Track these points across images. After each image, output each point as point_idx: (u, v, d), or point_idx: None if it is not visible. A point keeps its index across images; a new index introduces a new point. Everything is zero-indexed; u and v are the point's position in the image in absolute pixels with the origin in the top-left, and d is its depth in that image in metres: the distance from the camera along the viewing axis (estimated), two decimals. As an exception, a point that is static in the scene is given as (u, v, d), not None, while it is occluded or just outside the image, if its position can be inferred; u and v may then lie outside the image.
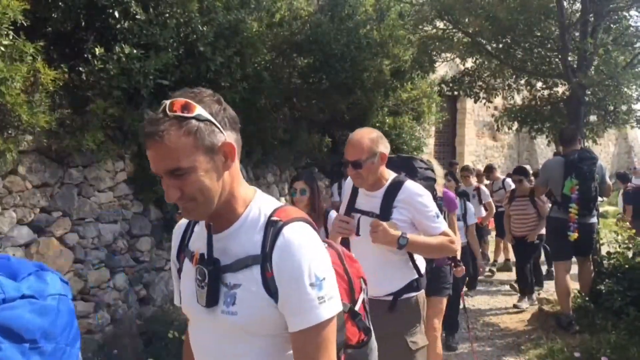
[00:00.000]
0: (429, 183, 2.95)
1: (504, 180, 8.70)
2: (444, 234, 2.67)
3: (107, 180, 4.91)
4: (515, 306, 6.58)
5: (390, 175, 2.73)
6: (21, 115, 3.74)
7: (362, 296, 1.62)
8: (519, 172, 6.89)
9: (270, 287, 1.31)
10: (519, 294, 6.82)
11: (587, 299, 5.53)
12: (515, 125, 8.98)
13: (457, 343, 5.33)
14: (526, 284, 6.71)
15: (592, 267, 5.57)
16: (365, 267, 2.46)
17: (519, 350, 5.15)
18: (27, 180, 4.20)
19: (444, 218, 3.83)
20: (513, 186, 7.34)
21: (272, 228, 1.33)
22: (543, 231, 6.40)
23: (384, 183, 2.70)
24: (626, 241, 5.66)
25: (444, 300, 4.11)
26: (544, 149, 15.42)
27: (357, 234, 2.72)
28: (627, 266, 5.33)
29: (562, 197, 5.23)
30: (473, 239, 5.30)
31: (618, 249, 5.61)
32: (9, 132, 3.87)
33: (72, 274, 4.52)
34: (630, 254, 5.49)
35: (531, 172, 8.25)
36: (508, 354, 5.13)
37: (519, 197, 6.64)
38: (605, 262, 5.59)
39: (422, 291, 2.83)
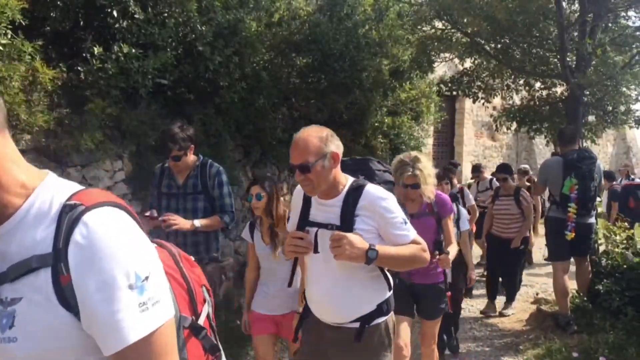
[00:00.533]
0: (389, 187, 2.60)
1: (491, 180, 8.15)
2: (414, 242, 2.33)
3: (106, 179, 4.91)
4: (500, 314, 6.25)
5: (347, 179, 2.36)
6: (19, 115, 3.75)
7: (206, 308, 1.31)
8: (503, 171, 6.49)
9: (68, 297, 0.95)
10: (504, 301, 6.44)
11: (585, 299, 5.54)
12: (514, 126, 9.01)
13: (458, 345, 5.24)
14: (515, 291, 6.43)
15: (590, 267, 5.57)
16: (327, 288, 2.34)
17: (517, 351, 5.15)
18: (25, 180, 4.19)
19: (437, 223, 3.67)
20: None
21: (68, 215, 0.97)
22: (527, 233, 6.23)
23: (340, 189, 2.32)
24: (624, 241, 5.66)
25: (440, 320, 3.89)
26: (543, 149, 15.44)
27: (315, 251, 2.33)
28: (625, 266, 5.33)
29: (561, 196, 5.23)
30: (466, 247, 4.79)
31: (615, 249, 5.62)
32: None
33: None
34: (628, 253, 5.50)
35: (531, 172, 8.24)
36: (506, 354, 5.13)
37: (503, 196, 6.32)
38: (603, 261, 5.60)
39: (392, 313, 2.49)
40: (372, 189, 2.31)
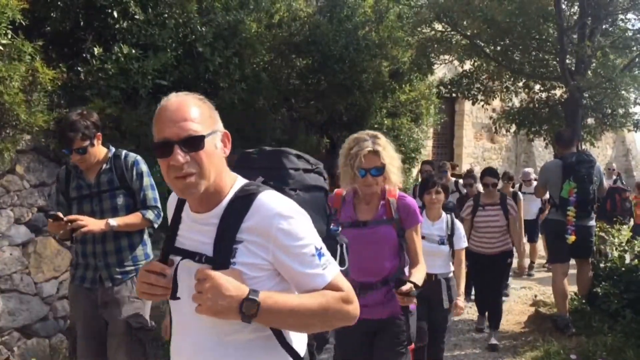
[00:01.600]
0: (315, 196, 1.74)
1: (456, 182, 7.37)
2: (332, 286, 1.45)
3: (105, 180, 4.91)
4: (491, 347, 5.20)
5: (236, 182, 1.50)
6: (19, 115, 3.75)
7: None
8: (489, 175, 5.44)
9: None
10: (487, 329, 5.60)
11: (583, 301, 5.55)
12: (513, 128, 9.02)
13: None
14: (500, 316, 5.48)
15: (590, 270, 5.58)
16: (194, 352, 1.49)
17: (515, 352, 5.15)
18: (24, 180, 4.20)
19: (398, 236, 2.65)
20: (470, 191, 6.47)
21: None
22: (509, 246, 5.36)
23: (223, 197, 1.46)
24: (622, 244, 5.67)
25: None
26: (542, 151, 15.45)
27: (174, 295, 1.48)
28: (623, 269, 5.34)
29: (561, 199, 5.24)
30: (460, 268, 4.01)
31: (614, 252, 5.62)
32: (7, 131, 3.88)
33: (70, 273, 4.51)
34: (627, 256, 5.51)
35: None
36: (505, 356, 5.13)
37: (488, 205, 5.31)
38: (601, 264, 5.60)
39: None
40: (268, 200, 1.43)
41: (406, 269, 2.73)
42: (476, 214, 5.34)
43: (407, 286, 2.48)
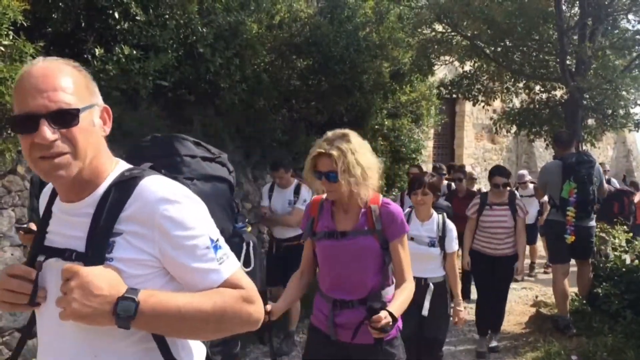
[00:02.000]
0: (217, 187, 1.58)
1: (449, 185, 7.33)
2: (230, 284, 1.23)
3: (106, 180, 4.92)
4: (491, 349, 5.15)
5: (117, 167, 1.31)
6: (20, 115, 3.75)
7: None
8: (499, 174, 5.11)
9: None
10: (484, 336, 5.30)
11: (584, 302, 5.55)
12: (514, 128, 9.02)
13: None
14: (502, 319, 5.35)
15: (591, 271, 5.58)
16: None
17: (516, 353, 5.15)
18: (26, 180, 4.20)
19: (382, 248, 2.29)
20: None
21: None
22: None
23: (98, 183, 1.25)
24: (623, 244, 5.67)
25: None
26: (543, 152, 15.45)
27: (33, 301, 1.20)
28: (624, 269, 5.34)
29: (561, 200, 5.24)
30: (453, 273, 3.76)
31: (615, 252, 5.63)
32: (8, 132, 3.88)
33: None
34: (627, 257, 5.51)
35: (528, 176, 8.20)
36: (505, 356, 5.13)
37: (496, 204, 5.05)
38: (602, 265, 5.61)
39: None
40: (152, 184, 1.21)
41: (392, 288, 2.37)
42: (482, 213, 5.07)
43: (382, 320, 2.03)
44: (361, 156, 2.23)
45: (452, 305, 3.79)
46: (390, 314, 2.08)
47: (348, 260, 2.23)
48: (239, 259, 1.43)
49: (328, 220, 2.38)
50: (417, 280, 3.44)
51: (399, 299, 2.24)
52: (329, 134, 2.28)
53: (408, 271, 2.34)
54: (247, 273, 1.36)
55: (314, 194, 2.64)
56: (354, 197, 2.27)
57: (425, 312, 3.56)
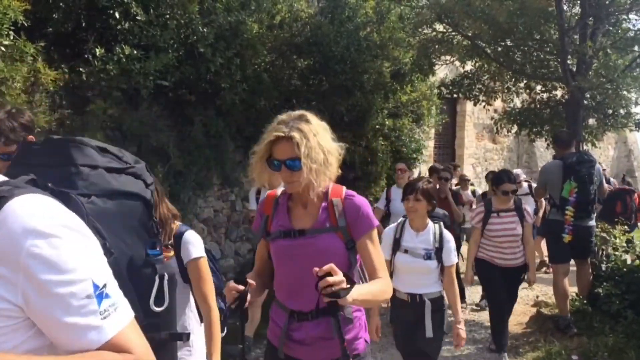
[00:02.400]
0: (124, 206, 1.29)
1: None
2: (114, 346, 0.94)
3: (107, 180, 4.92)
4: (491, 349, 5.04)
5: None
6: (21, 115, 3.76)
7: None
8: (508, 180, 4.75)
9: None
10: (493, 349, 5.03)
11: (585, 301, 5.55)
12: (515, 128, 9.01)
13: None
14: (506, 339, 4.91)
15: (590, 270, 5.58)
16: None
17: (517, 353, 5.15)
18: None
19: (347, 249, 1.98)
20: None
21: None
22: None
23: None
24: (624, 244, 5.67)
25: None
26: (544, 152, 15.44)
27: None
28: (625, 269, 5.34)
29: (561, 200, 5.24)
30: (452, 288, 3.39)
31: (616, 252, 5.62)
32: None
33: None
34: (628, 257, 5.51)
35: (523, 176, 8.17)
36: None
37: (503, 211, 4.69)
38: (603, 265, 5.60)
39: None
40: (21, 209, 0.90)
41: None
42: (488, 221, 4.68)
43: (336, 276, 1.59)
44: (322, 139, 1.91)
45: (452, 322, 3.44)
46: (348, 277, 1.64)
47: (307, 262, 1.81)
48: (149, 295, 1.22)
49: (284, 218, 2.05)
50: (412, 297, 3.33)
51: (368, 286, 1.92)
52: (283, 115, 1.97)
53: (382, 269, 1.98)
54: (161, 313, 1.16)
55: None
56: (310, 188, 1.91)
57: (429, 333, 3.28)
